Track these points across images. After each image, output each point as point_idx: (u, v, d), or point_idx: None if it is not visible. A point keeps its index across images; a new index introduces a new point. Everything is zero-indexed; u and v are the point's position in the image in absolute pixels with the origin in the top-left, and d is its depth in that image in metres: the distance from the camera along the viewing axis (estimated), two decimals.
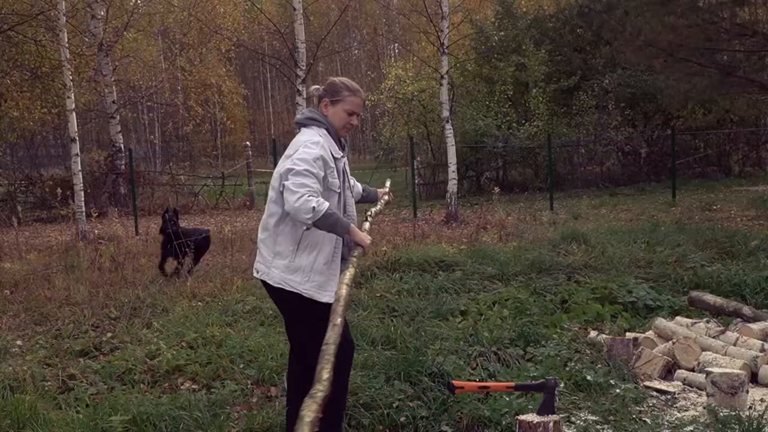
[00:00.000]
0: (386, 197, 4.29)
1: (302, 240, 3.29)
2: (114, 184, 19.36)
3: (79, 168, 13.74)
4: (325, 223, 3.16)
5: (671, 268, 7.51)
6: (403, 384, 4.25)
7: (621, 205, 15.63)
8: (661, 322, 5.54)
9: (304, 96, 14.57)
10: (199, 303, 6.90)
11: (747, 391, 4.27)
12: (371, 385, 4.30)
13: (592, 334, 5.56)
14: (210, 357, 4.89)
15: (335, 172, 3.38)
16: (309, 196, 3.10)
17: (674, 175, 17.92)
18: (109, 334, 5.86)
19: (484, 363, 4.71)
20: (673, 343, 5.07)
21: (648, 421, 3.94)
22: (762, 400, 4.37)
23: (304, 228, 3.24)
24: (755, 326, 5.36)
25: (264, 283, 3.44)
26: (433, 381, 4.30)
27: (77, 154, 13.85)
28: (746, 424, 3.65)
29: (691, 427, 3.75)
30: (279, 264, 3.31)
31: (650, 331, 5.53)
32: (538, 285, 6.91)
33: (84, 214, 13.20)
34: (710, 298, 6.04)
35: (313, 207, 3.08)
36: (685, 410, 4.21)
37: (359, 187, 4.02)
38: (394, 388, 4.22)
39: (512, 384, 3.82)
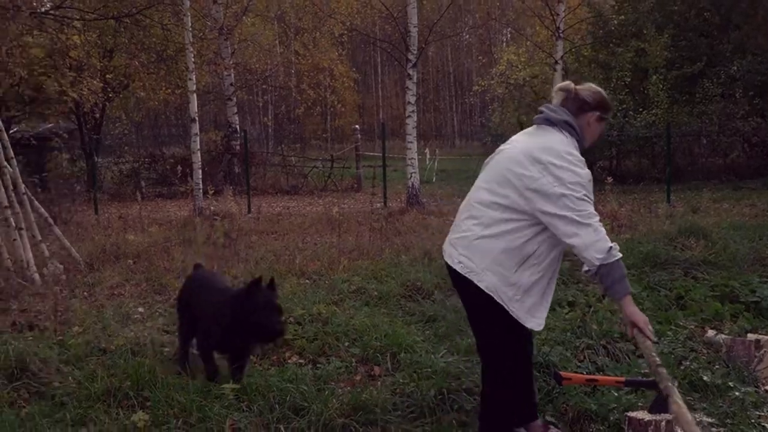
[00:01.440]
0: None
1: (530, 257, 3.10)
2: (229, 163, 20.14)
3: (198, 147, 14.39)
4: (611, 273, 2.90)
5: None
6: None
7: (745, 200, 14.77)
8: None
9: (414, 80, 14.58)
10: (307, 281, 7.05)
11: None
12: (474, 370, 4.28)
13: (710, 333, 5.33)
14: (316, 333, 4.99)
15: None
16: (601, 230, 2.90)
17: None
18: None
19: (592, 356, 4.59)
20: None
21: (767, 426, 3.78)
22: None
23: (540, 248, 3.05)
24: None
25: (463, 278, 3.19)
26: (539, 371, 4.22)
27: (196, 134, 14.49)
28: None
29: None
30: (496, 271, 3.09)
31: None
32: (651, 279, 6.65)
33: (201, 191, 13.82)
34: None
35: (610, 248, 2.87)
36: None
37: None
38: None
39: (622, 379, 3.67)
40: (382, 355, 4.59)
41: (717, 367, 4.54)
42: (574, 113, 3.19)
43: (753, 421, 3.84)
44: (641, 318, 3.07)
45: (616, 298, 3.03)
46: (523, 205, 3.02)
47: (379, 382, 4.27)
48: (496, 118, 26.21)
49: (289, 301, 6.01)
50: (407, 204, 14.86)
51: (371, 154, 24.30)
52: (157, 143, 27.12)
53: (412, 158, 15.12)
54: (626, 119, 20.22)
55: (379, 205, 14.44)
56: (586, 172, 3.02)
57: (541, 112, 3.21)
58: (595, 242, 2.88)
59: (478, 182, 3.28)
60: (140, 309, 6.09)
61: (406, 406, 3.88)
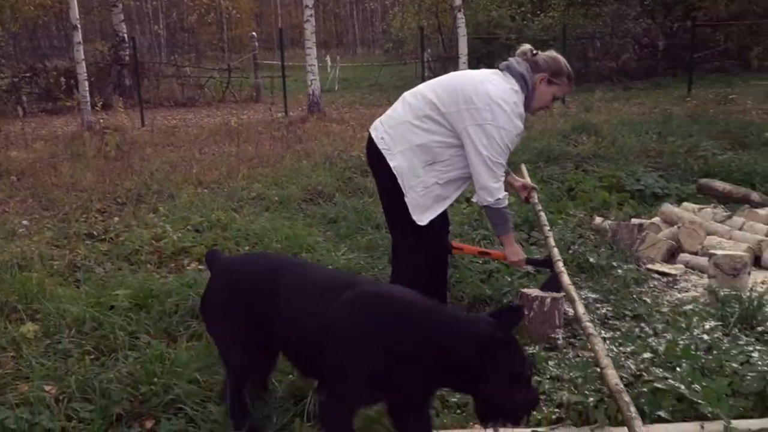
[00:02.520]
0: (533, 197, 3.93)
1: (439, 163, 3.24)
2: (119, 75, 19.06)
3: (82, 57, 13.49)
4: (494, 216, 3.28)
5: (682, 158, 7.41)
6: None
7: (635, 99, 15.31)
8: (667, 207, 5.48)
9: None
10: (205, 190, 6.89)
11: (749, 273, 4.22)
12: (375, 264, 4.41)
13: (598, 220, 5.52)
14: (215, 239, 4.91)
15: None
16: (501, 182, 3.19)
17: (692, 69, 17.31)
18: (115, 219, 5.89)
19: (488, 246, 4.69)
20: (678, 228, 5.02)
21: (648, 300, 3.98)
22: (764, 282, 4.33)
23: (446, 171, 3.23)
24: (762, 211, 5.30)
25: (380, 154, 3.30)
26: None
27: (79, 43, 13.56)
28: (746, 303, 3.66)
29: (690, 306, 3.77)
30: (409, 158, 3.24)
31: (656, 217, 5.47)
32: (545, 173, 6.83)
33: (89, 104, 13.05)
34: (719, 184, 5.96)
35: (499, 199, 3.19)
36: (686, 291, 4.22)
37: None
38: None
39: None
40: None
41: (603, 250, 4.73)
42: (531, 72, 3.32)
43: (634, 296, 4.04)
44: (515, 259, 3.46)
45: (497, 234, 3.46)
46: (455, 119, 3.16)
47: None
48: (396, 23, 25.76)
49: (186, 210, 5.87)
50: (308, 112, 14.62)
51: (270, 62, 23.52)
52: (37, 56, 25.23)
53: (312, 65, 14.76)
54: (525, 22, 20.41)
55: (280, 114, 14.13)
56: (520, 127, 3.21)
57: (508, 61, 3.36)
58: (490, 187, 3.17)
59: (432, 81, 3.39)
60: (25, 222, 5.79)
61: None
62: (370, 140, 3.38)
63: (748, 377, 2.82)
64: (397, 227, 3.41)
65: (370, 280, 2.84)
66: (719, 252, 4.22)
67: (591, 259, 4.46)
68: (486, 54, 20.99)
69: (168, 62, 24.20)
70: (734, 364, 2.94)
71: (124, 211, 6.14)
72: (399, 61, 26.12)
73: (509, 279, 4.18)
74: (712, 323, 3.48)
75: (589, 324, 2.78)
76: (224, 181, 7.16)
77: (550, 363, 3.12)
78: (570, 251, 4.69)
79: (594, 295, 4.02)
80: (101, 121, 11.01)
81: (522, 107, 3.25)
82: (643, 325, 3.57)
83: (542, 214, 3.95)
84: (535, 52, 3.35)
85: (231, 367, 2.57)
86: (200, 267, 4.60)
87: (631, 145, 8.02)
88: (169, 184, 7.06)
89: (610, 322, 3.69)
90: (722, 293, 3.84)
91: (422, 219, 3.26)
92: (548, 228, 3.86)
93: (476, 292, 4.01)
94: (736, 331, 3.45)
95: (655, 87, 18.38)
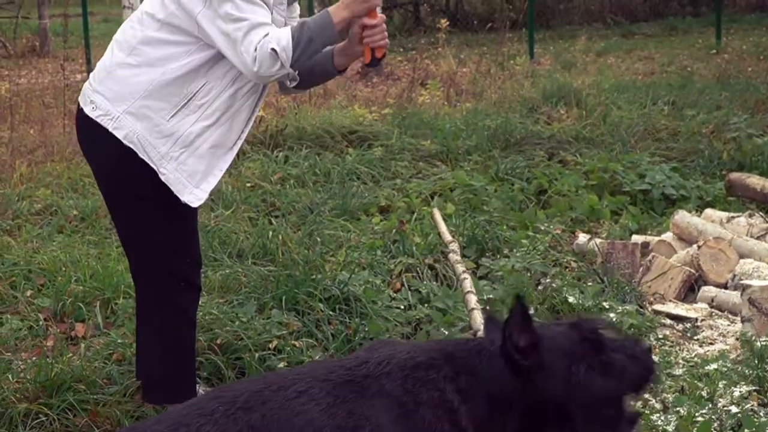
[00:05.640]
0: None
1: (195, 97, 2.61)
2: None
3: None
4: (307, 50, 2.53)
5: (705, 141, 6.37)
6: (285, 314, 3.47)
7: (639, 51, 13.05)
8: (683, 217, 4.71)
9: None
10: None
11: None
12: (235, 316, 3.45)
13: (582, 238, 4.77)
14: None
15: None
16: (261, 41, 2.46)
17: (719, 5, 13.62)
18: None
19: (413, 282, 3.81)
20: (699, 248, 4.30)
21: (655, 359, 3.37)
22: None
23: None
24: None
25: (93, 128, 2.60)
26: (334, 309, 3.51)
27: None
28: None
29: (715, 365, 3.28)
30: (143, 115, 2.57)
31: (668, 233, 4.79)
32: (502, 167, 5.78)
33: None
34: (757, 181, 5.22)
35: (274, 50, 2.46)
36: (710, 343, 3.69)
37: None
38: (270, 321, 3.45)
39: None
40: (87, 306, 3.68)
41: (589, 284, 4.05)
42: None
43: None
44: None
45: (333, 33, 2.60)
46: (183, 17, 2.55)
47: (83, 346, 3.37)
48: None
49: None
50: None
51: None
52: None
53: None
54: None
55: (80, 76, 11.19)
56: None
57: None
58: (262, 64, 2.47)
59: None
60: None
61: (128, 378, 3.09)
62: (80, 114, 2.67)
63: None
64: (136, 239, 2.72)
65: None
66: (756, 283, 3.76)
67: (571, 299, 3.77)
68: None
69: None
70: None
71: None
72: None
73: (446, 332, 3.40)
74: (745, 389, 3.13)
75: None
76: None
77: None
78: (539, 287, 3.95)
79: None
80: None
81: None
82: (647, 396, 3.12)
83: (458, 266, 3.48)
84: None
85: None
86: None
87: (630, 122, 6.75)
88: None
89: None
90: (760, 344, 3.39)
91: (198, 195, 2.62)
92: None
93: None
94: None
95: (668, 32, 15.25)
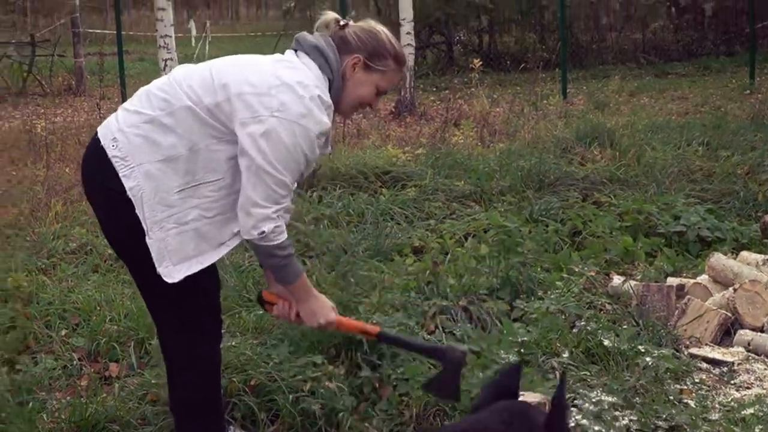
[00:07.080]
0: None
1: (207, 184, 2.57)
2: None
3: None
4: (267, 255, 2.59)
5: (740, 182, 6.29)
6: (318, 356, 3.42)
7: (672, 90, 12.96)
8: (719, 259, 4.63)
9: None
10: None
11: None
12: (268, 358, 3.43)
13: (616, 280, 4.73)
14: (13, 319, 3.95)
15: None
16: (277, 209, 2.52)
17: (754, 45, 13.22)
18: None
19: (447, 323, 3.75)
20: (735, 291, 4.26)
21: (691, 403, 3.40)
22: None
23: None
24: None
25: (105, 167, 2.53)
26: (365, 353, 3.44)
27: None
28: None
29: (752, 410, 3.28)
30: (156, 175, 2.51)
31: (703, 275, 4.71)
32: (536, 208, 5.73)
33: None
34: None
35: (264, 232, 2.51)
36: (747, 387, 3.68)
37: None
38: (304, 364, 3.38)
39: (376, 330, 2.92)
40: (121, 346, 3.69)
41: (624, 326, 3.98)
42: (338, 54, 2.71)
43: (671, 397, 3.43)
44: (317, 319, 2.70)
45: (286, 282, 2.67)
46: (227, 112, 2.52)
47: (117, 386, 3.40)
48: None
49: None
50: None
51: (99, 32, 17.45)
52: None
53: (167, 36, 10.54)
54: None
55: None
56: (326, 124, 2.58)
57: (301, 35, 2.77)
58: (255, 212, 2.52)
59: (200, 64, 2.72)
60: None
61: (162, 419, 3.10)
62: (95, 145, 2.59)
63: None
64: (153, 297, 2.71)
65: None
66: None
67: (606, 342, 3.73)
68: (445, 20, 16.35)
69: None
70: None
71: None
72: (304, 30, 22.60)
73: (480, 375, 3.32)
74: None
75: None
76: (26, 225, 5.68)
77: None
78: (574, 330, 3.87)
79: (610, 398, 3.39)
80: None
81: (328, 95, 2.58)
82: None
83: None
84: (343, 22, 2.73)
85: None
86: None
87: (665, 162, 6.69)
88: None
89: None
90: None
91: (172, 273, 2.56)
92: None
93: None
94: None
95: (701, 72, 14.67)
